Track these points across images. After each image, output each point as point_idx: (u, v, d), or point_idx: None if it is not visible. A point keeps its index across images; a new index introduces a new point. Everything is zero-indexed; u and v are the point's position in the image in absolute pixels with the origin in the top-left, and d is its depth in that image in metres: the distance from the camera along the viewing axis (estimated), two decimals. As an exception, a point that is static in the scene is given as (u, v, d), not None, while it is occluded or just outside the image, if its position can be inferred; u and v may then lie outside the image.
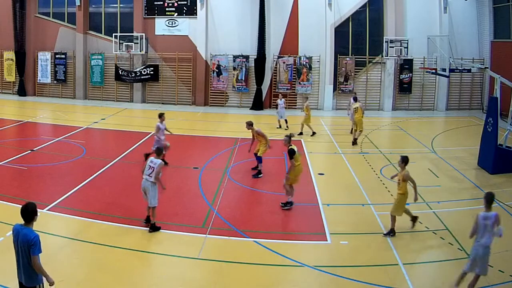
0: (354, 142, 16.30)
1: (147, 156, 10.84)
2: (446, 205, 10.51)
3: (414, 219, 9.21)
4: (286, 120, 19.14)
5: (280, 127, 19.12)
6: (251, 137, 13.16)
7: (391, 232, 8.80)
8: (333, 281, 7.19)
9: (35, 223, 5.35)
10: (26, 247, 5.10)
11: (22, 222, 5.29)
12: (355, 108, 16.61)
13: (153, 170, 8.66)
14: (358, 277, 7.18)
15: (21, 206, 5.33)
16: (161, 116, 13.31)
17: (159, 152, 9.40)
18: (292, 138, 10.73)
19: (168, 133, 13.66)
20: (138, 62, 25.80)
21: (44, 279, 5.35)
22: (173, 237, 8.75)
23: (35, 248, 5.10)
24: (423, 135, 17.76)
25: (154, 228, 8.81)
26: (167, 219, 9.47)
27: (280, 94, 21.42)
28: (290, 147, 10.17)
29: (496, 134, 13.12)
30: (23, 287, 5.33)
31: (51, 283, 5.34)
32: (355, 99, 17.68)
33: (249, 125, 12.78)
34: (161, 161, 8.92)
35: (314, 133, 17.83)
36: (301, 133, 17.75)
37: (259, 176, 12.49)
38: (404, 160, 8.85)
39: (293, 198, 10.19)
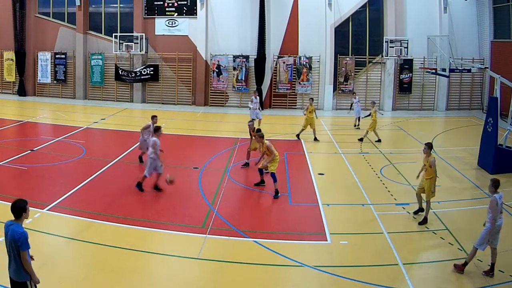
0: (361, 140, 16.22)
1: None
2: (446, 205, 10.49)
3: (421, 210, 9.69)
4: (260, 121, 17.74)
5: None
6: (255, 146, 12.79)
7: (425, 221, 9.29)
8: (333, 281, 7.19)
9: (27, 221, 5.32)
10: (14, 243, 5.14)
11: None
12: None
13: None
14: (358, 277, 7.18)
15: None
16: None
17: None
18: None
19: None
20: (138, 62, 25.80)
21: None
22: (173, 237, 8.75)
23: (22, 244, 5.12)
24: (423, 135, 17.73)
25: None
26: (167, 219, 9.49)
27: (254, 92, 18.68)
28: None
29: (496, 134, 13.12)
30: (13, 283, 5.32)
31: (36, 282, 5.34)
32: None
33: (260, 137, 11.28)
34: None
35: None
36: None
37: (277, 196, 10.81)
38: (429, 146, 9.48)
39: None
